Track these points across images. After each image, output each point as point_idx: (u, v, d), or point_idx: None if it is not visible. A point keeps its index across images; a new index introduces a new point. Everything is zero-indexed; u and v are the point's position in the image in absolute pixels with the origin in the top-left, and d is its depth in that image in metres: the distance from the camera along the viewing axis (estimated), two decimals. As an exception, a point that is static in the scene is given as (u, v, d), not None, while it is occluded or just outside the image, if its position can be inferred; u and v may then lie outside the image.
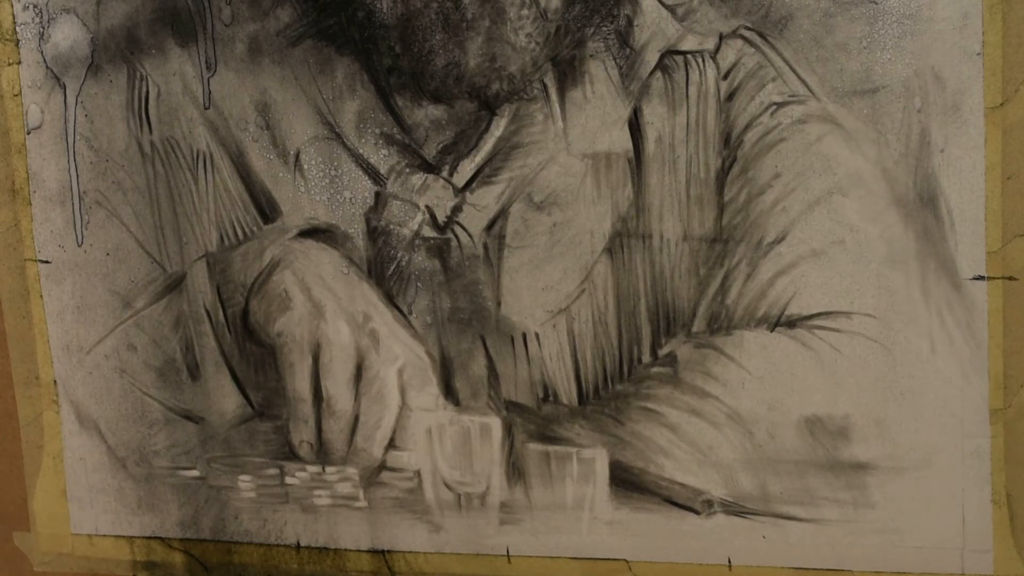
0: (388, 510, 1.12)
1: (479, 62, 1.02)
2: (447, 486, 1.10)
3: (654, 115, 1.00)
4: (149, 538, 1.20)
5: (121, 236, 1.14)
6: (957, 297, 0.96)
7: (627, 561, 1.08)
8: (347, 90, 1.06)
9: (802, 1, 0.96)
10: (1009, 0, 0.92)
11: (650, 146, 1.01)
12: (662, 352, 1.03)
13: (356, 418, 1.11)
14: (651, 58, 0.99)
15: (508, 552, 1.10)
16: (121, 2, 1.10)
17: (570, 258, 1.04)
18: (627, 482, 1.06)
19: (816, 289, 0.99)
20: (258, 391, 1.13)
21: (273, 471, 1.14)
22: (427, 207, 1.06)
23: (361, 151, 1.07)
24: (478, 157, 1.04)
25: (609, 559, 1.08)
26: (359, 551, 1.14)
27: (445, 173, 1.05)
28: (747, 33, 0.97)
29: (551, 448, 1.07)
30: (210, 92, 1.09)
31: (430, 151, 1.05)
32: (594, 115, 1.01)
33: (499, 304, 1.06)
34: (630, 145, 1.01)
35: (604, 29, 1.00)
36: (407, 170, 1.06)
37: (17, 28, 1.13)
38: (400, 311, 1.08)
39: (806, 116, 0.97)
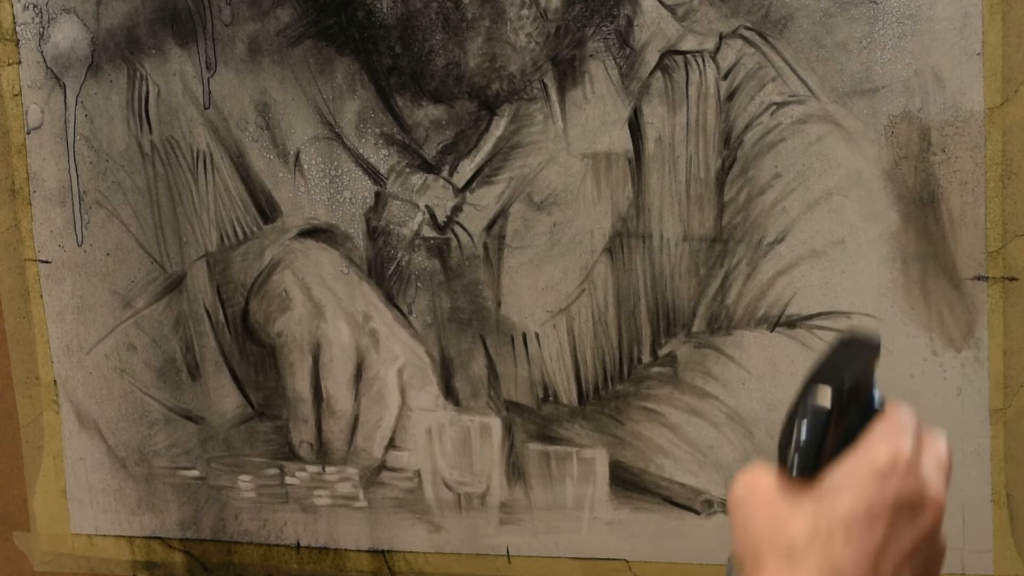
0: (388, 510, 1.12)
1: (479, 62, 1.02)
2: (447, 486, 1.10)
3: (654, 115, 1.00)
4: (149, 538, 1.20)
5: (121, 236, 1.14)
6: (957, 297, 0.96)
7: (627, 561, 1.08)
8: (347, 90, 1.06)
9: (802, 1, 0.96)
10: (1009, 0, 0.92)
11: (650, 146, 1.01)
12: (662, 352, 1.03)
13: (356, 418, 1.11)
14: (651, 58, 0.99)
15: (508, 552, 1.10)
16: (121, 2, 1.10)
17: (570, 258, 1.04)
18: (627, 482, 1.06)
19: (816, 289, 0.99)
20: (258, 391, 1.13)
21: (273, 471, 1.14)
22: (427, 207, 1.06)
23: (361, 151, 1.07)
24: (478, 157, 1.04)
25: (609, 559, 1.08)
26: (359, 551, 1.14)
27: (445, 173, 1.05)
28: (747, 33, 0.97)
29: (551, 448, 1.07)
30: (210, 92, 1.09)
31: (430, 151, 1.05)
32: (594, 115, 1.01)
33: (499, 304, 1.06)
34: (630, 145, 1.01)
35: (604, 29, 1.00)
36: (407, 170, 1.06)
37: (17, 28, 1.13)
38: (400, 311, 1.08)
39: (806, 116, 0.97)
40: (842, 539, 0.64)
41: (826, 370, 0.68)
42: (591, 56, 1.00)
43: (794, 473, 0.65)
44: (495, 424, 1.08)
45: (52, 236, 1.16)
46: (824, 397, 0.66)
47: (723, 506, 1.04)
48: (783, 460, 0.65)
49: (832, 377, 0.67)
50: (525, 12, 1.00)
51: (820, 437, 0.66)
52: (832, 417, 0.66)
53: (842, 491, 0.65)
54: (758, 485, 0.66)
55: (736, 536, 0.66)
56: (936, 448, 0.68)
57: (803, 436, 0.66)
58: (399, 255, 1.08)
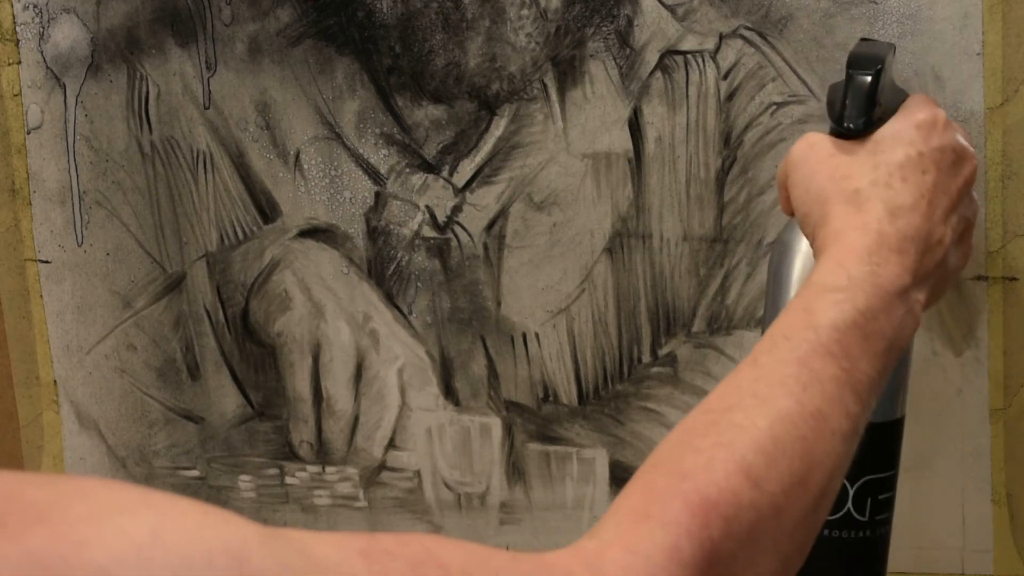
0: (388, 510, 1.12)
1: (479, 62, 1.02)
2: (447, 486, 1.10)
3: (654, 115, 1.00)
4: (149, 538, 1.19)
5: (121, 236, 1.14)
6: (957, 297, 0.96)
7: (627, 561, 1.08)
8: (347, 90, 1.06)
9: (802, 1, 0.96)
10: (1009, 0, 0.92)
11: (650, 146, 1.01)
12: (662, 352, 1.03)
13: (356, 418, 1.11)
14: (651, 58, 0.99)
15: (508, 552, 1.10)
16: (121, 2, 1.10)
17: (570, 258, 1.04)
18: (627, 482, 1.05)
19: (816, 289, 0.99)
20: (258, 391, 1.13)
21: (273, 471, 1.14)
22: (427, 207, 1.06)
23: (361, 151, 1.07)
24: (478, 157, 1.04)
25: (609, 559, 1.08)
26: (359, 551, 1.14)
27: (445, 173, 1.05)
28: (747, 33, 0.97)
29: (551, 448, 1.07)
30: (210, 92, 1.09)
31: (430, 151, 1.05)
32: (594, 115, 1.01)
33: (499, 304, 1.06)
34: (630, 145, 1.01)
35: (604, 29, 1.00)
36: (407, 170, 1.06)
37: (17, 28, 1.13)
38: (400, 311, 1.08)
39: (806, 116, 0.97)
40: (900, 181, 0.73)
41: (859, 56, 0.80)
42: (591, 56, 1.00)
43: (850, 126, 0.77)
44: (495, 424, 1.08)
45: (52, 236, 1.16)
46: (866, 69, 0.78)
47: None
48: (838, 120, 0.75)
49: (867, 57, 0.80)
50: (525, 12, 1.00)
51: (870, 95, 0.77)
52: (877, 79, 0.78)
53: (895, 144, 0.75)
54: (817, 144, 0.77)
55: (797, 192, 0.77)
56: (958, 125, 0.79)
57: (854, 95, 0.77)
58: (399, 255, 1.08)
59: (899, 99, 0.81)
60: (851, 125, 0.76)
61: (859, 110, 0.76)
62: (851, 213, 0.72)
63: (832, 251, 0.71)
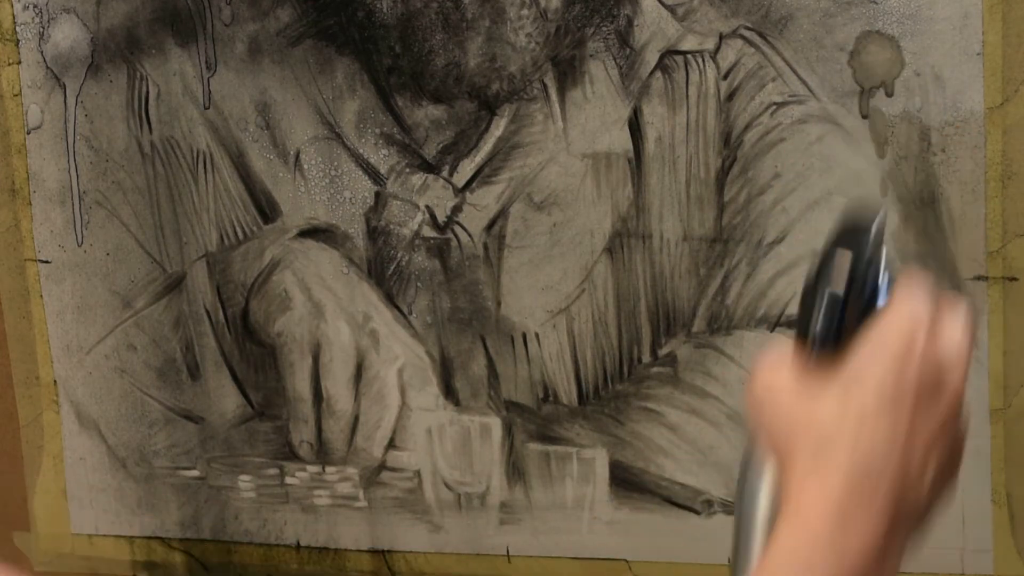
0: (388, 510, 1.12)
1: (479, 62, 1.02)
2: (447, 486, 1.10)
3: (654, 115, 1.00)
4: (149, 538, 1.20)
5: (121, 236, 1.14)
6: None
7: (627, 561, 1.08)
8: (347, 90, 1.06)
9: (802, 1, 0.96)
10: (1009, 0, 0.92)
11: (650, 146, 1.01)
12: (662, 352, 1.03)
13: (356, 418, 1.11)
14: (651, 58, 0.99)
15: (508, 552, 1.10)
16: (121, 2, 1.10)
17: (570, 258, 1.04)
18: (627, 482, 1.06)
19: (816, 289, 0.99)
20: (258, 391, 1.13)
21: (273, 471, 1.14)
22: (427, 207, 1.06)
23: (361, 151, 1.07)
24: (478, 157, 1.04)
25: (609, 559, 1.08)
26: (359, 551, 1.14)
27: (445, 173, 1.05)
28: (747, 33, 0.97)
29: (551, 448, 1.07)
30: (210, 92, 1.09)
31: (430, 151, 1.05)
32: (594, 115, 1.01)
33: (499, 304, 1.06)
34: (630, 145, 1.01)
35: (604, 29, 1.00)
36: (407, 170, 1.06)
37: (17, 28, 1.13)
38: (400, 311, 1.08)
39: (806, 116, 0.97)
40: (871, 426, 0.64)
41: (843, 237, 0.67)
42: (591, 56, 1.00)
43: (816, 348, 0.65)
44: (495, 424, 1.08)
45: (52, 236, 1.16)
46: (840, 276, 0.65)
47: (723, 506, 1.04)
48: (802, 334, 0.65)
49: (839, 270, 0.66)
50: (525, 12, 1.00)
51: (840, 319, 0.65)
52: (849, 296, 0.65)
53: (867, 378, 0.64)
54: (777, 383, 0.67)
55: (763, 430, 0.67)
56: (951, 331, 0.66)
57: (821, 319, 0.65)
58: (399, 255, 1.08)
59: (888, 280, 0.68)
60: (816, 349, 0.65)
61: (827, 334, 0.66)
62: (816, 467, 0.65)
63: (793, 515, 0.65)
